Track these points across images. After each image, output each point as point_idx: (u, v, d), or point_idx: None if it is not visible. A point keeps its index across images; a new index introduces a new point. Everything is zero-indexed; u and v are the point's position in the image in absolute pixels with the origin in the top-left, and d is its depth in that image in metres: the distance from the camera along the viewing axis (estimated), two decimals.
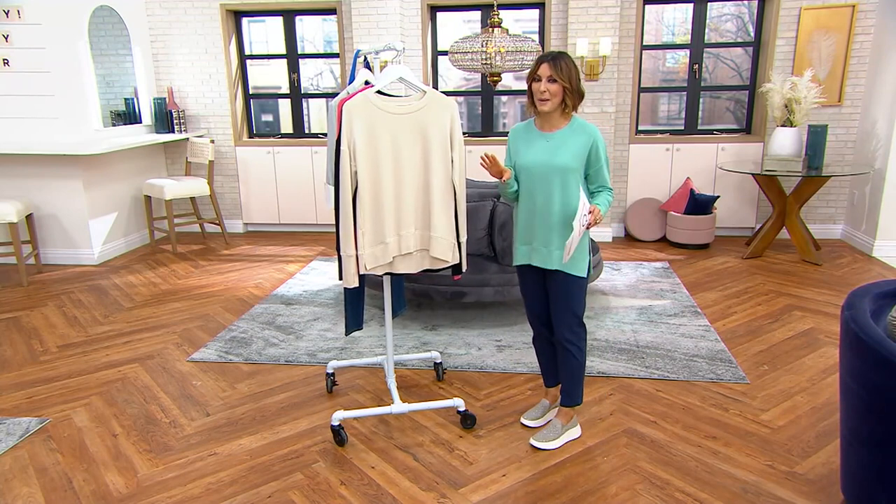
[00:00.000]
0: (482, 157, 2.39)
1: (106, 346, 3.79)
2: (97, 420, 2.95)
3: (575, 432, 2.73)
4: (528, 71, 2.51)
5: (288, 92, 6.53)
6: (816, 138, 5.15)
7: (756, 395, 3.05)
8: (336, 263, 2.71)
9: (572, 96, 2.45)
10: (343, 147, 2.48)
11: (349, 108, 2.48)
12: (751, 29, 5.93)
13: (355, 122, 2.49)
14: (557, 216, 2.49)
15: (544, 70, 2.41)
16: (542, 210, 2.51)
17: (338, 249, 2.61)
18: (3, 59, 5.22)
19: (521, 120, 2.66)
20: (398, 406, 2.76)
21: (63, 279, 5.09)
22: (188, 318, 4.20)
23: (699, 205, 5.60)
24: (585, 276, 2.56)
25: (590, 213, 2.37)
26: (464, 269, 2.76)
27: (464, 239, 2.71)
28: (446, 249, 2.64)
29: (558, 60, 2.41)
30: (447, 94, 6.18)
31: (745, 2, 5.91)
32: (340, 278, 2.63)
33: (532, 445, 2.65)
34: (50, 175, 5.29)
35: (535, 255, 2.57)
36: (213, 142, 6.08)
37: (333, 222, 2.66)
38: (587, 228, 2.41)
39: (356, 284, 2.62)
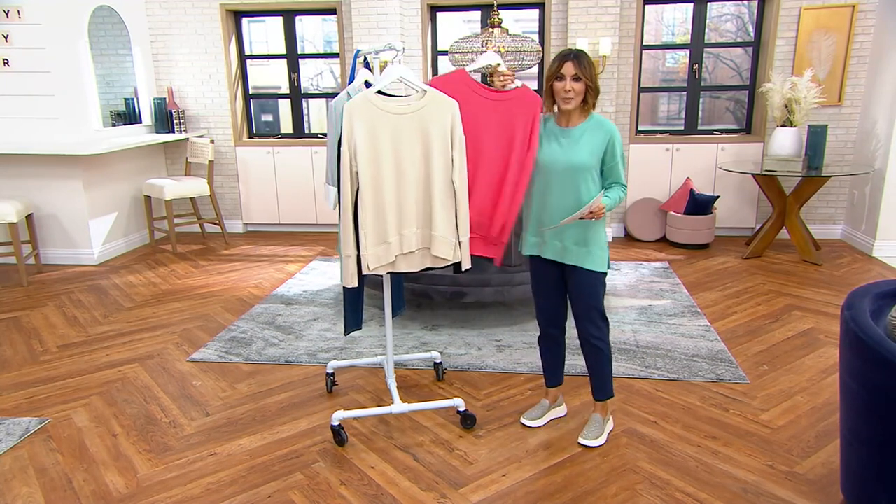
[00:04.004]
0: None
1: (106, 346, 3.79)
2: (97, 420, 2.95)
3: (611, 424, 2.75)
4: (528, 71, 2.52)
5: (288, 92, 6.53)
6: (816, 138, 5.15)
7: (756, 395, 3.05)
8: (339, 264, 2.71)
9: (593, 94, 2.44)
10: (343, 147, 2.48)
11: (350, 108, 2.48)
12: (751, 29, 5.93)
13: (356, 123, 2.49)
14: (572, 211, 2.47)
15: (569, 69, 2.40)
16: (556, 205, 2.50)
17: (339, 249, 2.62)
18: (3, 59, 5.22)
19: None
20: (398, 406, 2.76)
21: (63, 279, 5.10)
22: (188, 318, 4.20)
23: (699, 205, 5.60)
24: (606, 270, 2.56)
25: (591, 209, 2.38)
26: (466, 268, 2.73)
27: (466, 238, 2.69)
28: (447, 248, 2.64)
29: (581, 58, 2.40)
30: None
31: (745, 2, 5.91)
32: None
33: (581, 444, 2.65)
34: (50, 175, 5.29)
35: (546, 248, 2.57)
36: (213, 142, 6.08)
37: (335, 222, 2.66)
38: (583, 218, 2.41)
39: (356, 284, 2.61)
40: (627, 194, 6.07)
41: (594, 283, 2.55)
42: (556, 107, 2.52)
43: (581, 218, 2.41)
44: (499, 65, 2.60)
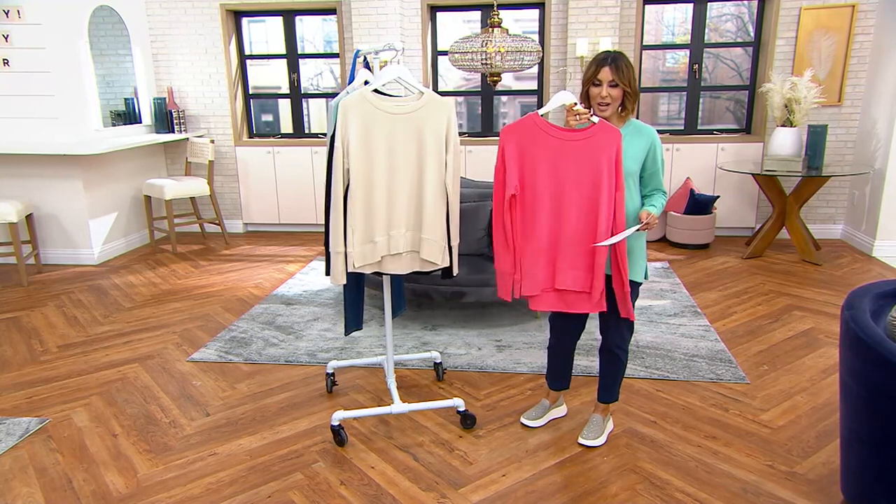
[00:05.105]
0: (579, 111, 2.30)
1: (106, 346, 3.79)
2: (97, 420, 2.95)
3: (610, 425, 2.75)
4: (528, 71, 2.49)
5: (288, 92, 6.54)
6: (816, 138, 5.15)
7: (756, 395, 3.05)
8: (325, 260, 2.70)
9: (632, 99, 2.37)
10: (337, 144, 2.48)
11: (345, 105, 2.47)
12: (751, 29, 5.93)
13: (350, 120, 2.48)
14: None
15: (605, 75, 2.32)
16: None
17: (326, 245, 2.60)
18: (3, 59, 5.22)
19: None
20: (398, 406, 2.76)
21: (63, 279, 5.10)
22: (188, 318, 4.20)
23: (699, 205, 5.60)
24: (643, 280, 2.53)
25: (642, 221, 2.33)
26: (454, 273, 2.72)
27: (455, 243, 2.67)
28: (436, 252, 2.62)
29: (619, 63, 2.32)
30: (447, 94, 6.18)
31: (745, 2, 5.91)
32: (327, 274, 2.62)
33: (581, 444, 2.65)
34: (50, 175, 5.29)
35: None
36: (213, 142, 6.08)
37: (324, 218, 2.64)
38: (640, 230, 2.39)
39: (344, 281, 2.60)
40: None
41: (632, 294, 2.51)
42: (592, 111, 2.44)
43: (640, 229, 2.38)
44: (574, 104, 2.37)
